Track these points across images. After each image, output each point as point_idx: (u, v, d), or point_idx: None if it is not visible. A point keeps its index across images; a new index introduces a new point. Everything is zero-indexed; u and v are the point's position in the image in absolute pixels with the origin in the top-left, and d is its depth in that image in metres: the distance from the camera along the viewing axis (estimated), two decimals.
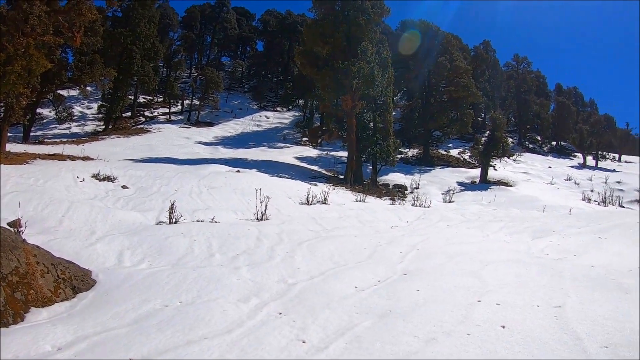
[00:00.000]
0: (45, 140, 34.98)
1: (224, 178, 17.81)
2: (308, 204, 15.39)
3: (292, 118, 52.25)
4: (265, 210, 11.71)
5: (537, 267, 6.39)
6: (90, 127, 44.50)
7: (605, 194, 25.35)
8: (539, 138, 59.57)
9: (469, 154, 38.86)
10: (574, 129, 52.65)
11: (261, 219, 11.48)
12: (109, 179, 15.35)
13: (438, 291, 5.32)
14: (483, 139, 33.80)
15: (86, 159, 22.50)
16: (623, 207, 24.25)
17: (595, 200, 25.44)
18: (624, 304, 4.58)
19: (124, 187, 14.64)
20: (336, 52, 26.40)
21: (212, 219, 10.62)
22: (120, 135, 40.35)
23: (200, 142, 39.61)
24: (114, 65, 42.01)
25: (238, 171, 21.01)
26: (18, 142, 30.79)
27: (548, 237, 9.15)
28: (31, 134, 36.60)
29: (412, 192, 26.49)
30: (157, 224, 9.82)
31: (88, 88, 49.85)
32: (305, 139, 42.53)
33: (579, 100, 74.40)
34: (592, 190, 28.67)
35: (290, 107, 58.38)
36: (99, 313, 4.70)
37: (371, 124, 28.17)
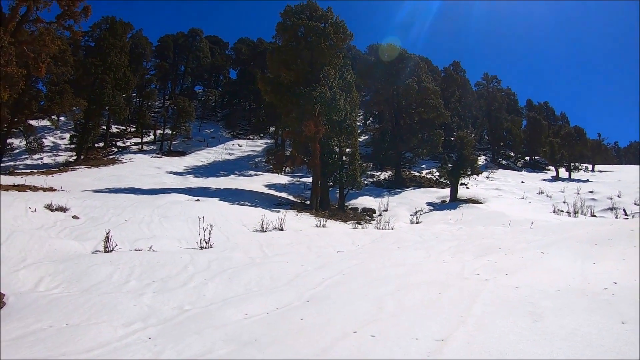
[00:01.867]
0: (16, 171, 34.59)
1: (180, 207, 17.63)
2: (262, 231, 15.27)
3: (265, 145, 52.30)
4: (209, 238, 11.69)
5: (454, 290, 6.16)
6: (62, 157, 44.14)
7: (576, 205, 25.54)
8: (512, 154, 60.26)
9: (437, 174, 39.07)
10: (545, 142, 53.15)
11: (204, 247, 11.47)
12: (61, 209, 15.28)
13: (322, 319, 5.13)
14: (454, 157, 33.96)
15: (48, 189, 22.30)
16: (595, 216, 24.44)
17: (566, 212, 25.59)
18: (525, 335, 4.19)
19: (74, 217, 14.65)
20: (299, 78, 26.51)
21: (150, 248, 10.72)
22: (91, 165, 40.05)
23: (171, 172, 39.40)
24: (85, 95, 42.11)
25: (197, 200, 20.83)
26: None
27: (490, 255, 8.99)
28: (2, 164, 36.11)
29: (380, 215, 26.45)
30: (92, 253, 9.96)
31: (61, 118, 50.17)
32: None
33: (550, 114, 75.73)
34: (564, 202, 28.85)
35: (262, 134, 58.56)
36: None
37: (337, 149, 28.10)
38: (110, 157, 46.16)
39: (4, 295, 6.51)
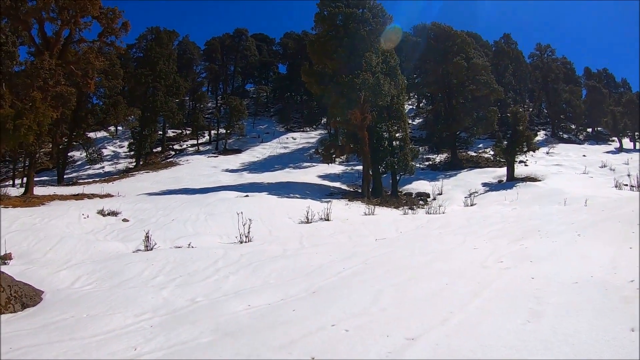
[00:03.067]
0: (78, 181, 36.15)
1: (227, 204, 18.05)
2: (308, 222, 15.42)
3: (319, 136, 52.06)
4: (249, 232, 12.10)
5: (464, 282, 5.82)
6: (122, 164, 45.76)
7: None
8: (573, 127, 57.63)
9: (492, 153, 38.02)
10: (607, 112, 50.52)
11: (244, 242, 11.87)
12: (113, 213, 16.29)
13: (311, 312, 5.06)
14: (508, 134, 32.93)
15: (105, 196, 23.41)
16: None
17: (629, 185, 24.44)
18: (507, 339, 3.67)
19: (124, 220, 15.67)
20: (342, 67, 26.30)
21: (189, 245, 11.25)
22: (149, 170, 41.32)
23: (226, 170, 40.02)
24: (139, 104, 43.81)
25: (247, 196, 21.17)
26: (54, 185, 31.85)
27: (526, 240, 8.57)
28: (66, 176, 38.25)
29: (434, 199, 26.04)
30: (133, 252, 10.68)
31: (119, 128, 52.28)
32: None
33: (610, 82, 72.10)
34: (628, 175, 27.45)
35: (315, 126, 58.64)
36: (25, 321, 5.60)
37: (386, 134, 27.77)
38: (168, 160, 47.50)
39: (42, 292, 7.08)
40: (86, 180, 36.54)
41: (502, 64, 56.20)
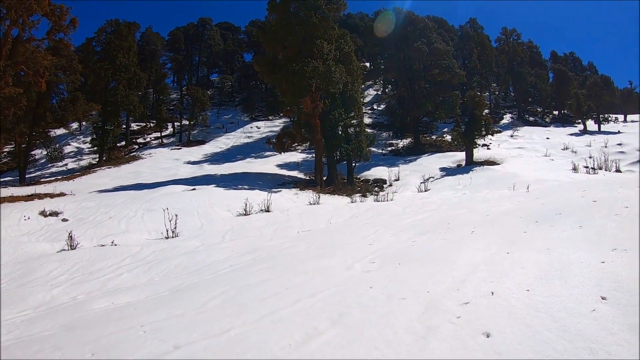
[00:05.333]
0: (41, 180, 35.23)
1: (169, 199, 17.69)
2: (245, 215, 15.15)
3: (283, 125, 51.73)
4: (175, 228, 12.09)
5: (311, 284, 5.46)
6: (85, 161, 44.76)
7: (600, 160, 24.31)
8: (539, 110, 58.09)
9: (449, 137, 38.06)
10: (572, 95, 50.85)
11: (170, 237, 11.82)
12: (54, 214, 16.04)
13: (151, 308, 5.32)
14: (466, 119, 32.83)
15: (56, 195, 22.79)
16: (620, 171, 23.15)
17: (588, 168, 24.42)
18: None
19: (64, 220, 15.44)
20: (294, 55, 25.84)
21: (112, 242, 11.41)
22: (112, 165, 40.53)
23: (188, 162, 39.51)
24: (100, 99, 42.93)
25: (193, 189, 20.79)
26: (16, 185, 31.03)
27: (427, 235, 8.11)
28: (29, 175, 37.57)
29: (391, 185, 25.82)
30: (58, 252, 10.76)
31: (84, 123, 51.41)
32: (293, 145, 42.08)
33: (577, 65, 72.79)
34: (590, 157, 27.49)
35: (280, 114, 58.20)
36: None
37: (341, 122, 27.40)
38: (132, 154, 46.75)
39: None
40: (48, 179, 35.66)
41: (467, 48, 56.29)
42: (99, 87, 45.12)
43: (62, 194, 23.38)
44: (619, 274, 4.16)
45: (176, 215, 12.42)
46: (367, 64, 61.06)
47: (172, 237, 11.79)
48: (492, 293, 4.18)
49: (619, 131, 41.91)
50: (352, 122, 28.13)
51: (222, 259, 8.11)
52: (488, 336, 3.33)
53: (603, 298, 3.71)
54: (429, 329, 3.56)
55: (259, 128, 54.07)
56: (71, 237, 10.97)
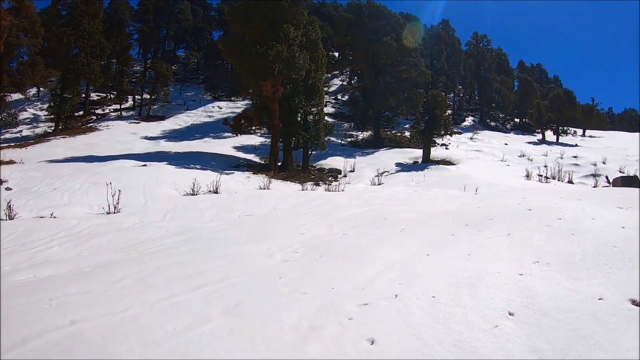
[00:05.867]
0: None
1: (118, 173, 17.44)
2: (193, 195, 15.03)
3: (245, 107, 51.11)
4: (117, 203, 11.94)
5: (219, 270, 5.46)
6: (41, 128, 43.14)
7: (554, 170, 24.86)
8: (502, 115, 59.14)
9: (408, 134, 38.38)
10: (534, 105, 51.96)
11: (111, 212, 11.66)
12: None
13: (65, 284, 5.22)
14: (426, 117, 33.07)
15: (7, 163, 22.45)
16: (572, 182, 23.69)
17: (542, 176, 24.90)
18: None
19: (7, 188, 15.15)
20: (260, 37, 25.41)
21: (51, 215, 11.12)
22: (67, 135, 39.26)
23: (145, 137, 38.60)
24: (61, 65, 41.36)
25: (144, 165, 20.42)
26: None
27: (357, 229, 8.19)
28: None
29: (345, 176, 25.83)
30: None
31: (42, 90, 49.64)
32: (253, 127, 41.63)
33: (543, 77, 74.24)
34: (545, 166, 28.05)
35: (242, 96, 57.61)
36: None
37: (300, 109, 27.20)
38: (89, 125, 45.26)
39: None
40: (0, 145, 34.39)
41: (436, 49, 56.75)
42: (61, 53, 43.39)
43: (11, 162, 22.89)
44: (534, 289, 4.14)
45: (119, 191, 12.30)
46: (337, 54, 60.74)
47: (114, 212, 11.62)
48: (396, 296, 4.15)
49: (576, 144, 42.92)
50: (312, 110, 27.98)
51: (154, 238, 8.08)
52: (372, 343, 3.28)
53: (510, 314, 3.66)
54: (314, 329, 3.51)
55: (220, 108, 53.32)
56: (10, 206, 10.67)
